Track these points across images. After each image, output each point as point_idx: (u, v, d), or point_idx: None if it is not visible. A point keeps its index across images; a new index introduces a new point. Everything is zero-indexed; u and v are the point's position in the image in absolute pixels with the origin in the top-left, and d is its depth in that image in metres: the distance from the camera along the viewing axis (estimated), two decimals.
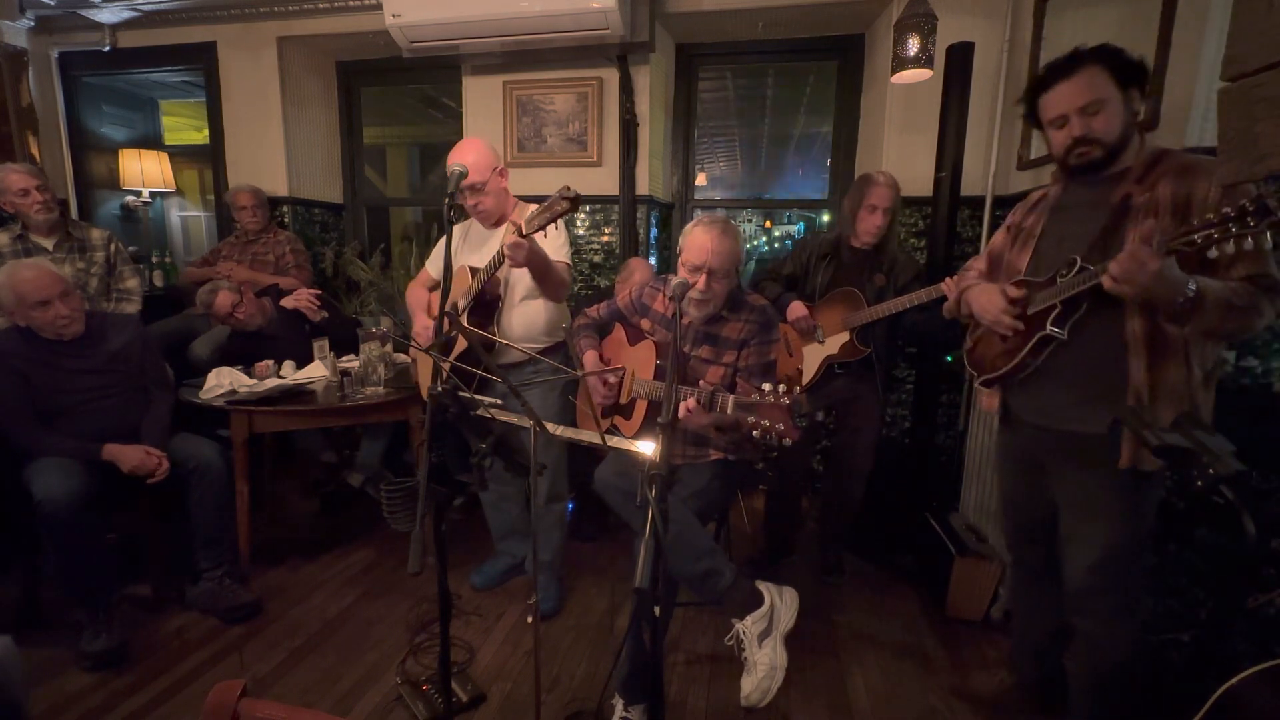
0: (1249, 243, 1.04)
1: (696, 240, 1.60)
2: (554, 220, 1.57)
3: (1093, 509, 1.38)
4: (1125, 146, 1.29)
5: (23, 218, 2.54)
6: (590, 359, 1.89)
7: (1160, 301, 1.17)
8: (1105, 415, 1.25)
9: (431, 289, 2.20)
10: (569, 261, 2.01)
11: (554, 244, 1.96)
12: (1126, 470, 1.28)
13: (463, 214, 2.04)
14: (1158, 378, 1.24)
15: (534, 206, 1.63)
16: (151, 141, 4.25)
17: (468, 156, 1.88)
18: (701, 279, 1.60)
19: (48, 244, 2.59)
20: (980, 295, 1.47)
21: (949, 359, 2.45)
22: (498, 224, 2.02)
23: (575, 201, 1.50)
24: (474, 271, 1.94)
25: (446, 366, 1.29)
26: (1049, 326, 1.32)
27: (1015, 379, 1.43)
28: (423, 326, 2.05)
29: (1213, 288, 1.15)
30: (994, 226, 2.61)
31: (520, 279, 1.96)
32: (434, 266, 2.21)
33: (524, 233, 1.62)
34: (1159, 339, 1.23)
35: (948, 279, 1.91)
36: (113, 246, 2.71)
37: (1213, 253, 1.08)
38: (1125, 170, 1.29)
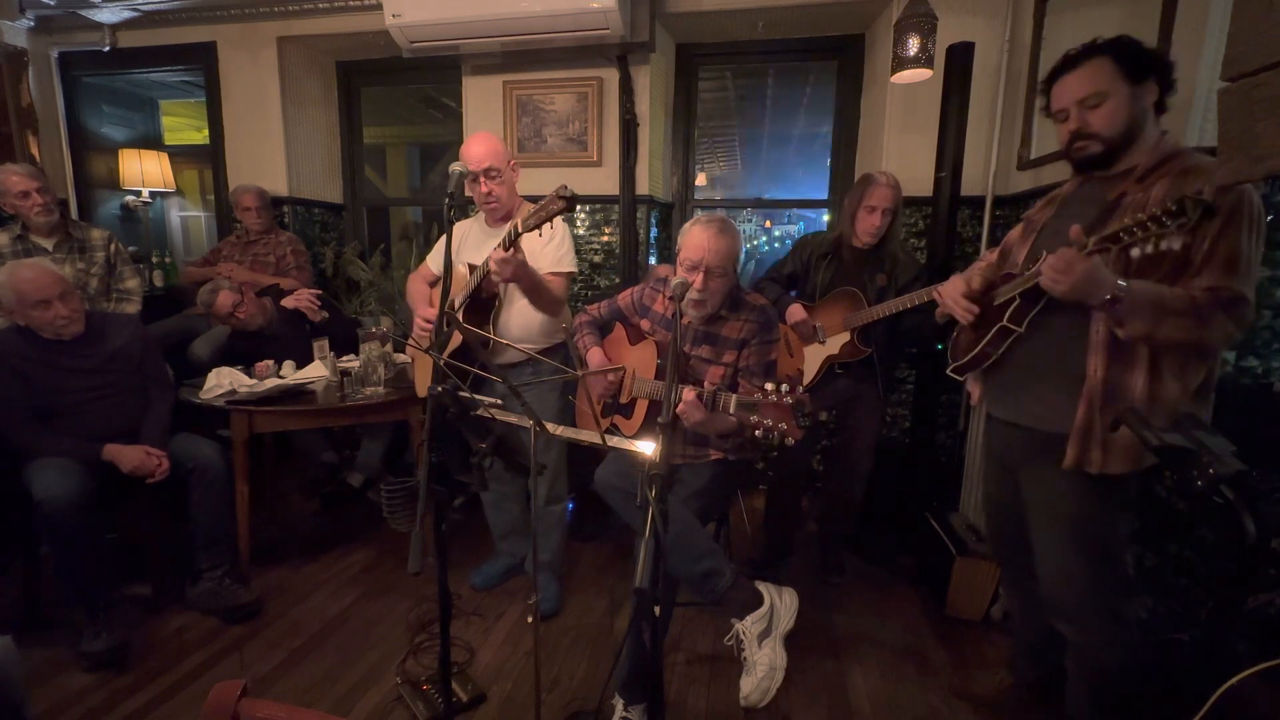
0: (1164, 244, 1.05)
1: (694, 238, 1.60)
2: (549, 220, 1.53)
3: (1052, 512, 1.37)
4: (1131, 142, 1.25)
5: (23, 219, 2.54)
6: (595, 355, 1.88)
7: (1088, 302, 1.17)
8: (1067, 413, 1.25)
9: (432, 284, 2.18)
10: (573, 270, 1.98)
11: (554, 254, 1.93)
12: (1085, 473, 1.25)
13: (463, 213, 2.02)
14: (1118, 382, 1.21)
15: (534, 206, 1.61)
16: (151, 141, 4.26)
17: (483, 146, 1.88)
18: (699, 277, 1.60)
19: (48, 244, 2.59)
20: (949, 282, 1.53)
21: (940, 346, 2.45)
22: (504, 219, 2.00)
23: (572, 201, 1.46)
24: (471, 269, 1.91)
25: (444, 363, 1.28)
26: (1005, 319, 1.35)
27: (980, 369, 1.45)
28: (423, 319, 2.01)
29: (1143, 291, 1.12)
30: (994, 226, 2.62)
31: None
32: (435, 261, 2.18)
33: (519, 230, 1.58)
34: (1119, 342, 1.20)
35: (940, 285, 1.90)
36: (113, 247, 2.71)
37: (1134, 252, 1.10)
38: (1133, 168, 1.26)
